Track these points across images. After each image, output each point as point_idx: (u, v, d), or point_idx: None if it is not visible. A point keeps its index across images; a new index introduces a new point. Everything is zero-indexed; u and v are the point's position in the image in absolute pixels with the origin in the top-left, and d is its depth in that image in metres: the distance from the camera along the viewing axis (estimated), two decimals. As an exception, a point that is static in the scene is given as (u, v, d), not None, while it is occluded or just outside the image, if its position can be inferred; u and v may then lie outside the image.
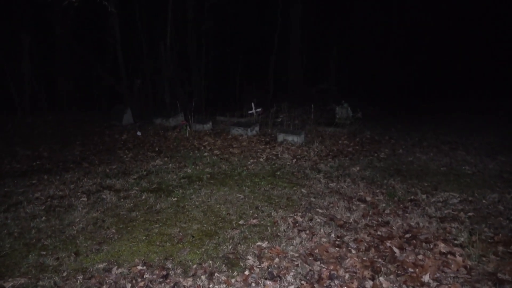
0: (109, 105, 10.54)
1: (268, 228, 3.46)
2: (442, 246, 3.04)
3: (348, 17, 16.08)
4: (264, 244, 3.13)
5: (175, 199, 4.20)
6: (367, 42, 16.16)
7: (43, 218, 3.69)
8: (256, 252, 3.00)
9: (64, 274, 2.72)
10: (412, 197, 4.27)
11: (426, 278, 2.61)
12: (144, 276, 2.69)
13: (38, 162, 5.88)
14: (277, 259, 2.89)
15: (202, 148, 6.62)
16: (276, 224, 3.54)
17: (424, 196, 4.27)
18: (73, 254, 2.99)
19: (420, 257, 2.90)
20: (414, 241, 3.18)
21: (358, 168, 5.36)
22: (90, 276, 2.69)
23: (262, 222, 3.59)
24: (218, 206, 3.97)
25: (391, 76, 16.08)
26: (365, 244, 3.15)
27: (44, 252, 3.03)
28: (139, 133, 7.80)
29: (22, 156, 6.19)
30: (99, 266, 2.82)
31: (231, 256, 2.96)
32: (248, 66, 15.42)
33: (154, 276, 2.69)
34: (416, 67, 16.35)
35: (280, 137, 7.03)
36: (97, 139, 7.42)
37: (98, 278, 2.67)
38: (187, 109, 8.85)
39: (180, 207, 3.97)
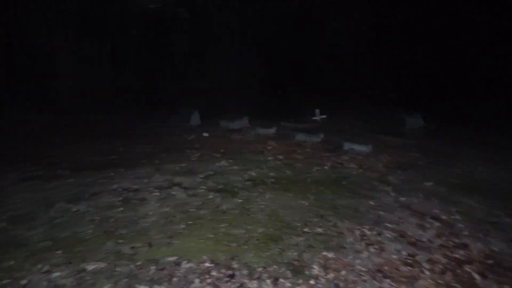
0: (173, 107, 11.21)
1: (334, 238, 3.37)
2: (532, 278, 2.73)
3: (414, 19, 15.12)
4: (330, 255, 3.06)
5: (240, 200, 4.27)
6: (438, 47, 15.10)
7: (120, 208, 3.96)
8: (322, 262, 2.94)
9: (139, 263, 2.89)
10: (494, 219, 3.90)
11: (513, 311, 2.36)
12: (211, 274, 2.76)
13: (115, 156, 6.35)
14: (343, 272, 2.80)
15: (266, 152, 6.67)
16: (341, 235, 3.44)
17: (508, 220, 3.87)
18: (146, 245, 3.17)
19: (506, 287, 2.63)
20: (497, 269, 2.90)
21: (431, 183, 5.03)
22: (162, 267, 2.83)
23: (328, 231, 3.51)
24: (282, 211, 3.97)
25: (461, 85, 14.85)
26: (441, 266, 2.94)
27: (121, 241, 3.25)
28: (206, 134, 8.09)
29: (102, 150, 6.74)
30: (170, 259, 2.95)
31: (295, 263, 2.93)
32: (310, 73, 15.31)
33: (221, 275, 2.74)
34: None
35: (346, 145, 6.85)
36: (166, 138, 7.83)
37: (169, 270, 2.79)
38: (251, 113, 9.00)
39: (245, 209, 4.03)
